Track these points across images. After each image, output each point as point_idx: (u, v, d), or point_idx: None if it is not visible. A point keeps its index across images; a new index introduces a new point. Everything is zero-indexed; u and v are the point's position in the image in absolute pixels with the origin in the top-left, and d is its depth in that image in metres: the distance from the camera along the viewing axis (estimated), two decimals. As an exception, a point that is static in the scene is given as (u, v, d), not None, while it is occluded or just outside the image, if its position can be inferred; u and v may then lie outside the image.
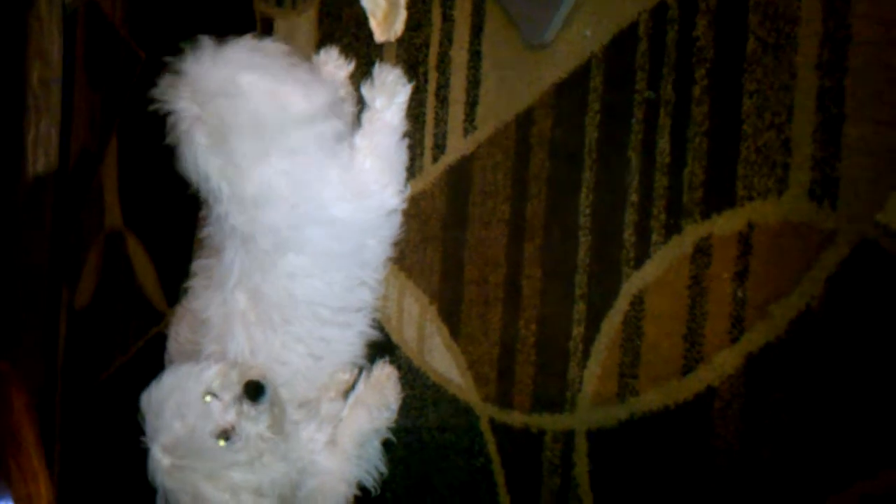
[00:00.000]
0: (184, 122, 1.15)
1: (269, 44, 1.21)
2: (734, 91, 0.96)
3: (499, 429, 1.19)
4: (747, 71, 0.95)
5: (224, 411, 1.12)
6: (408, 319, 1.30)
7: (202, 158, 1.16)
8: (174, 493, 1.13)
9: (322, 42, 1.44)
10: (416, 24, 1.30)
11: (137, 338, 1.92)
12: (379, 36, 1.33)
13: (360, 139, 1.26)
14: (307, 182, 1.19)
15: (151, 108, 1.17)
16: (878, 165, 0.86)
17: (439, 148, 1.26)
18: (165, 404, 1.13)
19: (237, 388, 1.12)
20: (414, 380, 1.30)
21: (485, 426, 1.20)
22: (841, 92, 0.88)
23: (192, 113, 1.15)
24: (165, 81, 1.16)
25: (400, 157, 1.28)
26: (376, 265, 1.28)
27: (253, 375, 1.14)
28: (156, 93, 1.17)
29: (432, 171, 1.27)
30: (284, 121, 1.16)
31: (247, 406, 1.12)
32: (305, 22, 1.49)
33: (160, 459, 1.12)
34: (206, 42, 1.16)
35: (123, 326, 1.98)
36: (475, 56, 1.22)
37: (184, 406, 1.12)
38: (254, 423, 1.12)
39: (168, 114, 1.16)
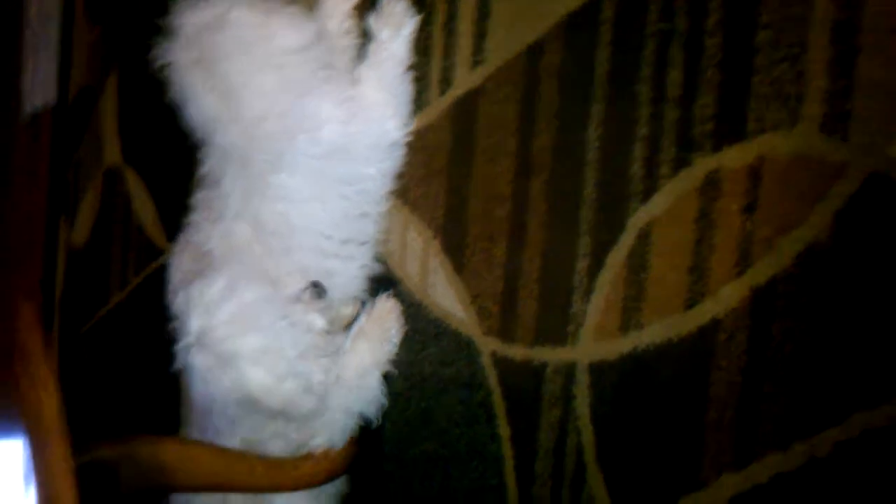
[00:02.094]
0: (182, 69, 1.16)
1: None
2: (748, 22, 0.94)
3: (500, 362, 1.19)
4: (762, 2, 0.93)
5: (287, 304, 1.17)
6: (411, 254, 1.30)
7: (202, 94, 1.16)
8: (226, 354, 1.13)
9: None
10: (424, -46, 1.28)
11: (136, 274, 1.92)
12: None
13: (364, 70, 1.25)
14: (300, 93, 1.18)
15: (152, 68, 1.18)
16: (891, 99, 0.86)
17: (446, 81, 1.25)
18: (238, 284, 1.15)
19: (300, 285, 1.19)
20: (416, 314, 1.30)
21: (486, 360, 1.21)
22: (857, 24, 0.87)
23: (188, 59, 1.15)
24: (161, 41, 1.17)
25: (404, 89, 1.26)
26: (377, 197, 1.27)
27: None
28: (153, 54, 1.18)
29: (439, 105, 1.26)
30: (273, 51, 1.16)
31: (312, 299, 1.18)
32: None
33: (221, 317, 1.12)
34: None
35: (122, 263, 1.98)
36: (485, -12, 1.20)
37: (251, 283, 1.16)
38: (318, 315, 1.18)
39: (166, 68, 1.17)
